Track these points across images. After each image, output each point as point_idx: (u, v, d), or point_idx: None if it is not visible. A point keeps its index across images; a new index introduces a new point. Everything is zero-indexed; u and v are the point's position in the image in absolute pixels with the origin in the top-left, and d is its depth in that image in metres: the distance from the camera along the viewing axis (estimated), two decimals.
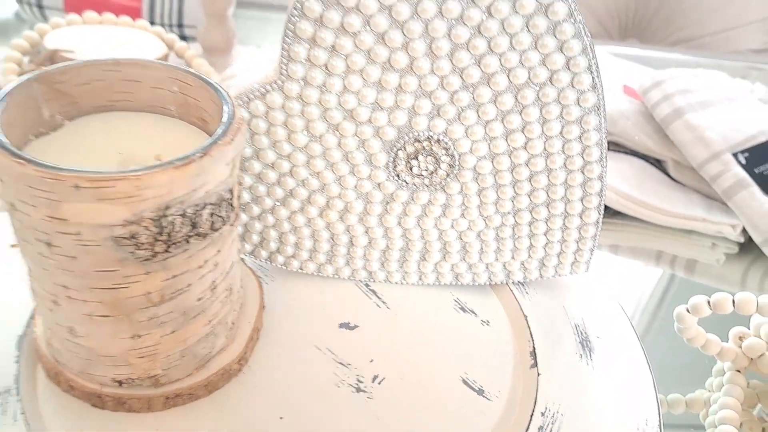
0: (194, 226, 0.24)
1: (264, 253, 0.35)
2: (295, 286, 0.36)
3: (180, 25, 0.69)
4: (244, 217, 0.34)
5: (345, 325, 0.33)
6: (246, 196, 0.33)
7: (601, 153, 0.31)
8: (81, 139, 0.26)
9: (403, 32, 0.27)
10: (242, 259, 0.36)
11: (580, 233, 0.34)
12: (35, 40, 0.55)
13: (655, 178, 0.52)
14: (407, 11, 0.26)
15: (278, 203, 0.33)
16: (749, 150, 0.50)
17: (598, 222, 0.34)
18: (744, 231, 0.49)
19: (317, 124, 0.30)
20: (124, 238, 0.23)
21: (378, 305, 0.35)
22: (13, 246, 0.26)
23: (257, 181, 0.32)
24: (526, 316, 0.35)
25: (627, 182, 0.51)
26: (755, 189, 0.48)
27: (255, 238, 0.35)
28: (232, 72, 0.54)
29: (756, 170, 0.49)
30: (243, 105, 0.29)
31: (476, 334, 0.34)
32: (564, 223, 0.34)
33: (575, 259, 0.36)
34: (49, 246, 0.23)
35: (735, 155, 0.49)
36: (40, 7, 0.70)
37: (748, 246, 0.49)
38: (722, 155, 0.49)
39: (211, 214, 0.24)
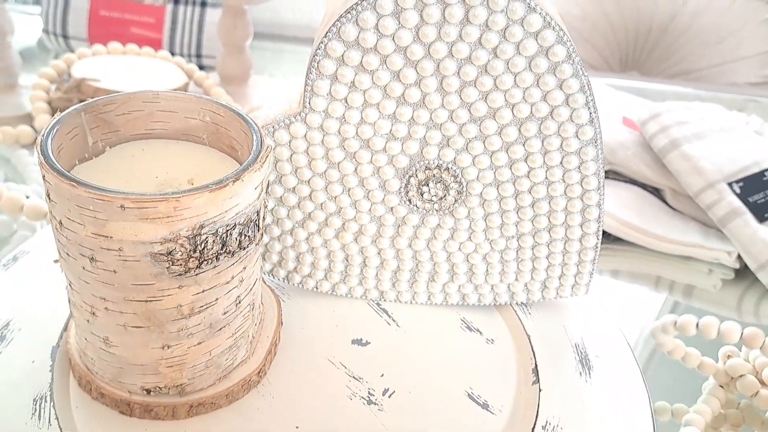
0: (224, 244, 0.26)
1: (282, 272, 0.38)
2: (311, 304, 0.38)
3: (199, 56, 0.72)
4: (265, 237, 0.36)
5: (357, 342, 0.35)
6: (267, 218, 0.35)
7: (599, 182, 0.33)
8: (121, 164, 0.29)
9: (416, 70, 0.29)
10: (262, 278, 0.38)
11: (579, 257, 0.37)
12: (62, 68, 0.58)
13: (653, 206, 0.54)
14: (420, 52, 0.29)
15: (297, 225, 0.35)
16: (743, 180, 0.52)
17: (596, 246, 0.36)
18: (739, 257, 0.51)
19: (336, 152, 0.32)
20: (161, 254, 0.25)
21: (389, 323, 0.37)
22: (56, 261, 0.29)
23: (278, 204, 0.34)
24: (528, 335, 0.37)
25: (627, 210, 0.53)
26: (749, 217, 0.50)
27: (274, 257, 0.37)
28: (258, 104, 0.57)
29: (750, 199, 0.51)
30: (269, 134, 0.32)
31: (481, 352, 0.36)
32: (564, 247, 0.36)
33: (575, 281, 0.38)
34: (93, 261, 0.25)
35: (730, 185, 0.52)
36: (66, 37, 0.73)
37: (743, 272, 0.51)
38: (717, 184, 0.51)
39: (240, 234, 0.27)
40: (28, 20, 0.82)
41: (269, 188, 0.34)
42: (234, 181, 0.25)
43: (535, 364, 0.35)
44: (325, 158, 0.33)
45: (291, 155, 0.32)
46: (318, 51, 0.29)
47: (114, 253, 0.25)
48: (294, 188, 0.34)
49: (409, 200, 0.34)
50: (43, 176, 0.25)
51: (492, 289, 0.38)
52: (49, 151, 0.25)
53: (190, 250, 0.25)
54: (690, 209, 0.54)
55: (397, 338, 0.36)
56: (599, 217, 0.35)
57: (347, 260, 0.37)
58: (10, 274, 0.37)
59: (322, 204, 0.34)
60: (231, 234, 0.26)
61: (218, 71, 0.64)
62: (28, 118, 0.58)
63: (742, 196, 0.51)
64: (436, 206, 0.34)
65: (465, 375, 0.34)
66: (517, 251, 0.36)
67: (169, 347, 0.28)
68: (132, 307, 0.27)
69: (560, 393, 0.33)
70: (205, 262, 0.26)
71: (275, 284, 0.39)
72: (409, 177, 0.33)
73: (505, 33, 0.28)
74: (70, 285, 0.28)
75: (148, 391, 0.30)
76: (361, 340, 0.35)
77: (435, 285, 0.38)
